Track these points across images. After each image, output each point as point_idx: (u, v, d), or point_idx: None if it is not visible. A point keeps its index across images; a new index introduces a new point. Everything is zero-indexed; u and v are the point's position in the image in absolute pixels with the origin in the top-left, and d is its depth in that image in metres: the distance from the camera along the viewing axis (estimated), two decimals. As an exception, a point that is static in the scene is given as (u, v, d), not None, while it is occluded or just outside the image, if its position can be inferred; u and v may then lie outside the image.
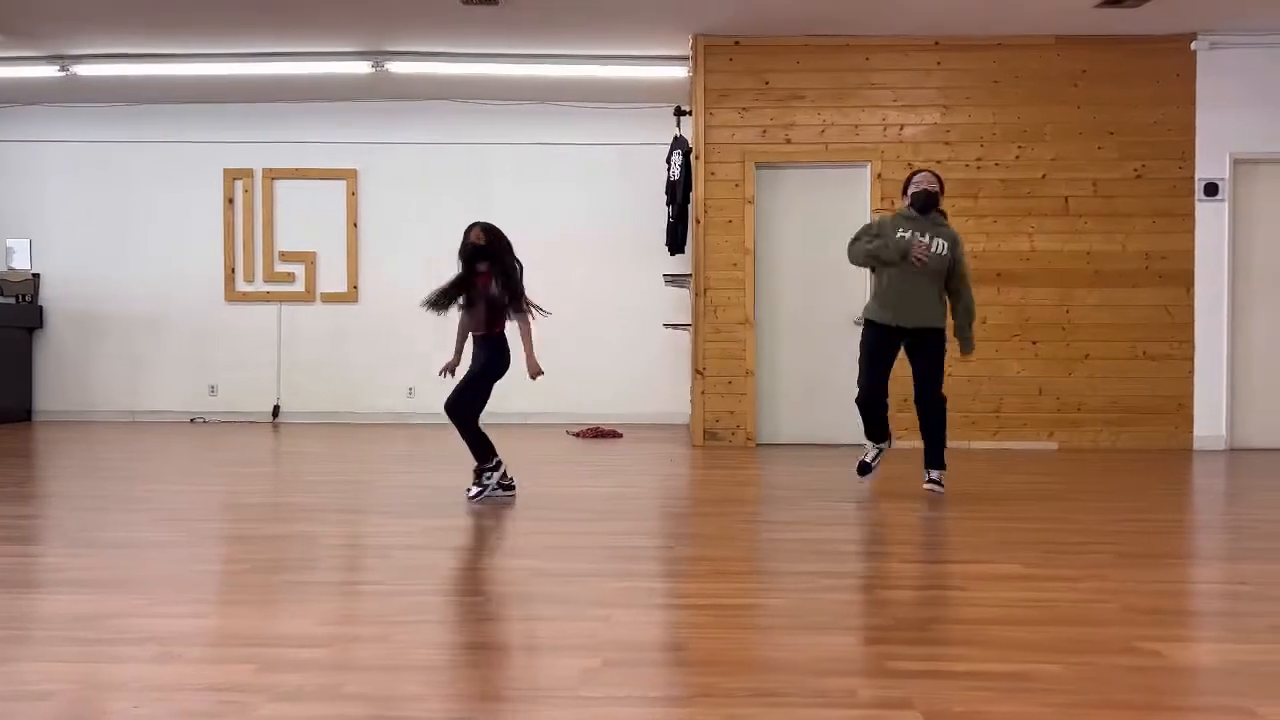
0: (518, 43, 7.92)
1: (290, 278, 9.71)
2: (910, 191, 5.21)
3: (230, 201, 9.71)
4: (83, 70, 8.39)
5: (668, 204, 8.38)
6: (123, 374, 9.76)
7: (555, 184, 9.54)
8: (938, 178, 5.23)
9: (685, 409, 8.91)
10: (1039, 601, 3.20)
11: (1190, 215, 7.64)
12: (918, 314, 5.10)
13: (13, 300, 9.60)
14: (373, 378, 9.60)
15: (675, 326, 8.68)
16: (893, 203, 7.56)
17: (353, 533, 4.43)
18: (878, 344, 5.21)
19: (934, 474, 5.13)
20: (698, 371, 7.79)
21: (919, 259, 5.02)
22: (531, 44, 7.95)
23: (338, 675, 2.48)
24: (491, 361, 4.97)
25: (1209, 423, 7.63)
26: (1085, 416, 7.68)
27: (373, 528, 4.51)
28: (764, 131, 7.75)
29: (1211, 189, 7.62)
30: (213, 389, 9.72)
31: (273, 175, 9.68)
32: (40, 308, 9.75)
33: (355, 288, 9.68)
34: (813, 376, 7.76)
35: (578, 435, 8.54)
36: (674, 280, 8.50)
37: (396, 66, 8.30)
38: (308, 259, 9.68)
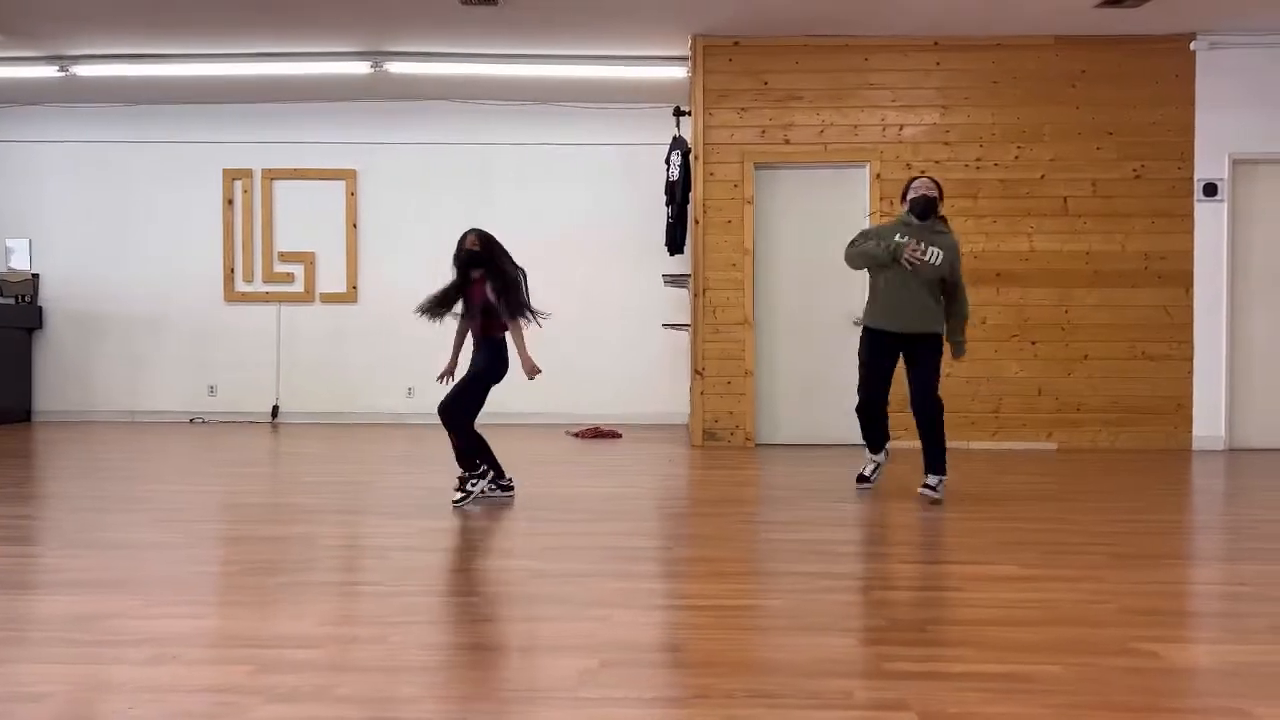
0: (517, 43, 7.92)
1: (289, 278, 9.71)
2: (909, 197, 5.21)
3: (230, 202, 9.71)
4: (82, 70, 8.39)
5: (667, 204, 8.38)
6: (122, 374, 9.77)
7: (554, 184, 9.54)
8: (936, 183, 5.23)
9: (684, 409, 8.91)
10: (1036, 602, 3.20)
11: (1189, 215, 7.64)
12: (914, 320, 5.10)
13: (12, 301, 9.60)
14: (372, 378, 9.60)
15: (674, 327, 8.68)
16: (892, 203, 7.57)
17: (350, 534, 4.43)
18: (875, 350, 5.23)
19: (931, 479, 5.12)
20: (697, 372, 7.79)
21: (910, 261, 5.04)
22: (530, 44, 7.95)
23: (334, 676, 2.48)
24: (489, 365, 4.95)
25: (1208, 423, 7.63)
26: (1084, 417, 7.68)
27: (370, 528, 4.51)
28: (763, 132, 7.75)
29: (1210, 189, 7.62)
30: (212, 389, 9.72)
31: (272, 176, 9.68)
32: (40, 308, 9.75)
33: (354, 288, 9.68)
34: (811, 377, 7.77)
35: (577, 435, 8.54)
36: (673, 280, 8.50)
37: (396, 67, 8.30)
38: (307, 259, 9.69)
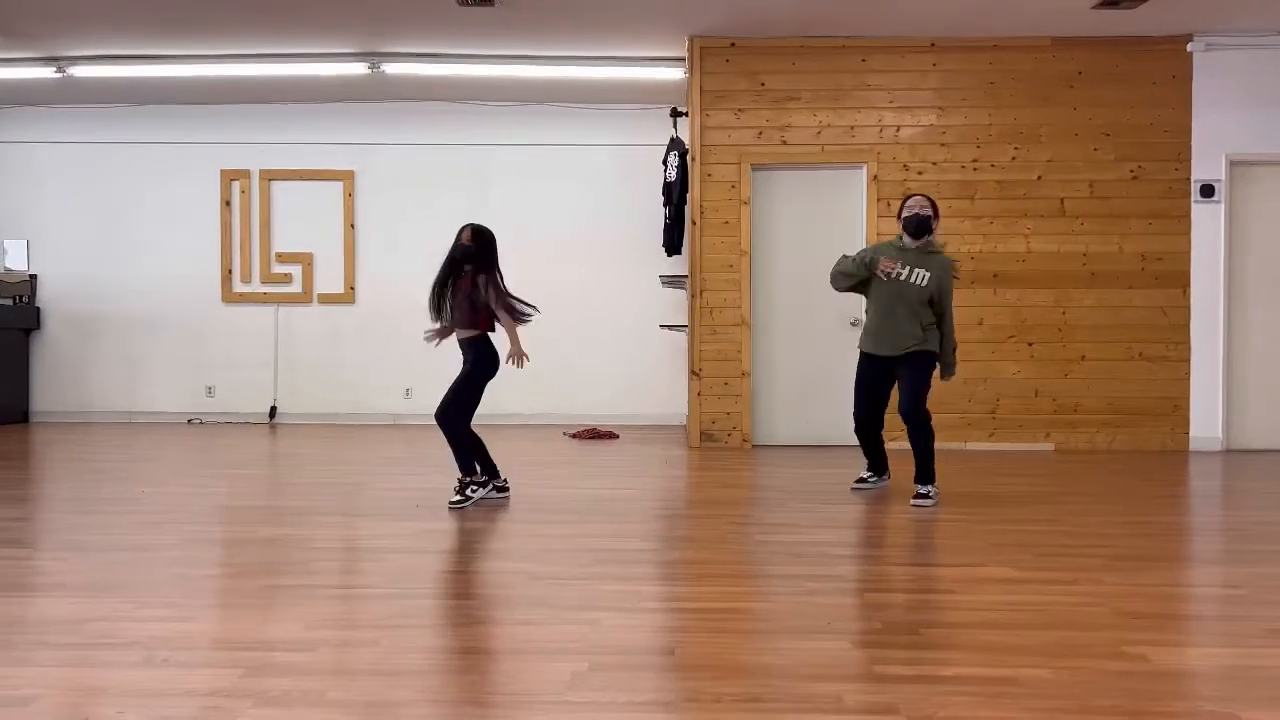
0: (514, 44, 7.92)
1: (287, 279, 9.70)
2: (903, 216, 5.23)
3: (227, 203, 9.71)
4: (79, 71, 8.39)
5: (664, 205, 8.37)
6: (120, 375, 9.77)
7: (552, 185, 9.54)
8: (931, 202, 5.24)
9: (682, 410, 8.91)
10: (1029, 605, 3.20)
11: (1186, 217, 7.64)
12: (901, 342, 5.16)
13: (10, 301, 9.60)
14: (370, 379, 9.60)
15: (672, 328, 8.68)
16: (889, 204, 7.57)
17: (345, 535, 4.43)
18: (867, 373, 5.33)
19: (920, 489, 5.14)
20: (693, 373, 7.78)
21: (885, 273, 5.10)
22: (527, 45, 7.95)
23: (325, 680, 2.48)
24: (480, 362, 4.98)
25: (1205, 424, 7.63)
26: (1081, 418, 7.68)
27: (365, 530, 4.50)
28: (760, 133, 7.75)
29: (1207, 190, 7.61)
30: (210, 390, 9.72)
31: (270, 176, 9.68)
32: (37, 309, 9.75)
33: (352, 289, 9.68)
34: (809, 378, 7.77)
35: (574, 436, 8.54)
36: (670, 281, 8.50)
37: (393, 68, 8.30)
38: (305, 260, 9.68)
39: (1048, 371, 7.68)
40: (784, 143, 7.74)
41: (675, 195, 8.09)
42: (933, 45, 7.70)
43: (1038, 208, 7.68)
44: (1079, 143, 7.66)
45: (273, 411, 9.69)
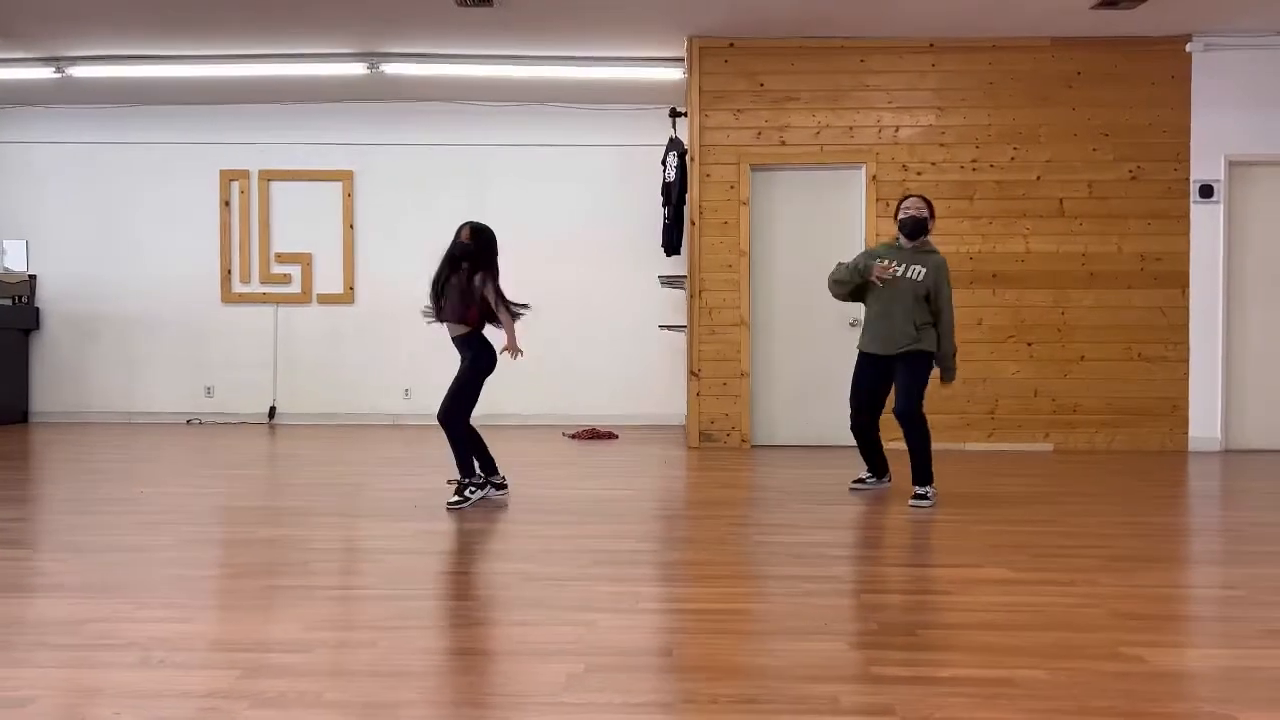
0: (513, 44, 7.92)
1: (286, 279, 9.71)
2: (899, 217, 5.26)
3: (226, 203, 9.71)
4: (78, 72, 8.39)
5: (663, 205, 8.37)
6: (119, 375, 9.77)
7: (551, 185, 9.55)
8: (928, 202, 5.27)
9: (681, 410, 8.91)
10: (1026, 606, 3.20)
11: (1185, 217, 7.64)
12: (897, 342, 5.17)
13: (9, 302, 9.60)
14: (369, 379, 9.61)
15: (671, 328, 8.68)
16: (888, 204, 7.57)
17: (343, 536, 4.43)
18: (863, 372, 5.36)
19: (918, 489, 5.15)
20: (692, 373, 7.78)
21: (879, 279, 5.12)
22: (526, 46, 7.95)
23: (322, 681, 2.48)
24: (477, 358, 5.00)
25: (1204, 424, 7.64)
26: (1080, 418, 7.68)
27: (364, 531, 4.50)
28: (759, 133, 7.75)
29: (1206, 191, 7.62)
30: (209, 390, 9.72)
31: (269, 176, 9.68)
32: (36, 309, 9.75)
33: (351, 289, 9.68)
34: (808, 378, 7.77)
35: (573, 437, 8.54)
36: (669, 281, 8.50)
37: (392, 68, 8.30)
38: (304, 260, 9.69)
39: (1047, 372, 7.68)
40: (783, 143, 7.75)
41: (674, 195, 8.09)
42: (931, 45, 7.70)
43: (1037, 208, 7.68)
44: (1078, 143, 7.67)
45: (272, 412, 9.69)
